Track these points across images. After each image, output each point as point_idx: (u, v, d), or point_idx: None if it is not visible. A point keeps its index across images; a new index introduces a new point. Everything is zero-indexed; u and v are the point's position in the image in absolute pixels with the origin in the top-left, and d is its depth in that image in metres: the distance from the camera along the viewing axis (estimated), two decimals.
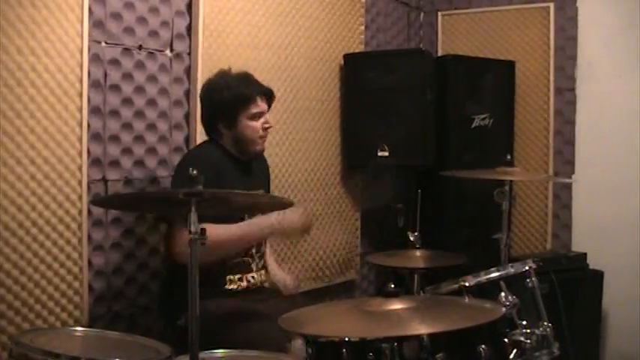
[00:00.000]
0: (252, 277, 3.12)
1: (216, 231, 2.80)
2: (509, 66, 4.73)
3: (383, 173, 4.35)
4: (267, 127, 3.13)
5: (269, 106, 3.17)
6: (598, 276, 4.41)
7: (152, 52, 3.28)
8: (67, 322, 2.92)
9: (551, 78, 4.71)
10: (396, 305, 2.18)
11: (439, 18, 5.09)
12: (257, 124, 3.09)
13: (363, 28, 4.53)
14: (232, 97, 3.05)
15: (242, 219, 3.00)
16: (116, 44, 3.12)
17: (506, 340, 2.66)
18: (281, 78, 3.91)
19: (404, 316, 2.12)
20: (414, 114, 4.20)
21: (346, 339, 2.30)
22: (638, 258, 4.44)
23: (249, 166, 3.19)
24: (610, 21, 4.60)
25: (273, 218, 2.95)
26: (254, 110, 3.08)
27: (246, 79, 3.13)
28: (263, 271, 3.20)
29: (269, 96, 3.16)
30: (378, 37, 4.74)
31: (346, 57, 4.36)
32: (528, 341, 2.67)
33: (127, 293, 3.21)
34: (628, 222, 4.50)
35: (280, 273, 3.40)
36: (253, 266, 3.13)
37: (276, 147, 3.88)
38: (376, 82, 4.28)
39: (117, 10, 3.11)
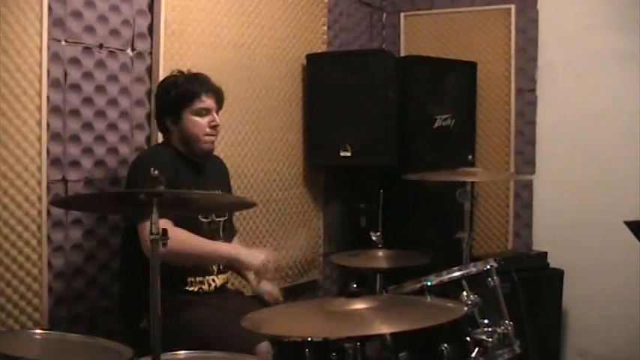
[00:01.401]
0: (214, 279, 3.10)
1: (180, 236, 2.78)
2: (470, 67, 4.76)
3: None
4: (215, 125, 3.11)
5: (219, 106, 3.17)
6: (558, 274, 4.46)
7: (113, 51, 3.24)
8: (26, 325, 2.88)
9: (512, 79, 4.75)
10: (359, 305, 2.18)
11: (401, 19, 5.11)
12: (202, 120, 3.08)
13: (325, 28, 4.53)
14: (178, 93, 3.07)
15: (197, 220, 3.00)
16: (76, 43, 3.08)
17: (468, 338, 2.67)
18: (243, 77, 3.89)
19: (367, 316, 2.12)
20: (376, 114, 4.21)
21: (309, 339, 2.30)
22: (597, 257, 4.51)
23: (203, 167, 3.18)
24: (570, 23, 4.65)
25: (239, 251, 2.98)
26: (198, 105, 3.07)
27: (195, 77, 3.13)
28: (226, 274, 3.18)
29: (217, 95, 3.15)
30: (340, 38, 4.74)
31: (309, 57, 4.36)
32: (490, 340, 2.69)
33: (88, 295, 3.17)
34: (587, 221, 4.56)
35: (264, 283, 3.33)
36: (214, 269, 3.11)
37: (238, 147, 3.87)
38: (339, 82, 4.27)
39: (77, 9, 3.08)
